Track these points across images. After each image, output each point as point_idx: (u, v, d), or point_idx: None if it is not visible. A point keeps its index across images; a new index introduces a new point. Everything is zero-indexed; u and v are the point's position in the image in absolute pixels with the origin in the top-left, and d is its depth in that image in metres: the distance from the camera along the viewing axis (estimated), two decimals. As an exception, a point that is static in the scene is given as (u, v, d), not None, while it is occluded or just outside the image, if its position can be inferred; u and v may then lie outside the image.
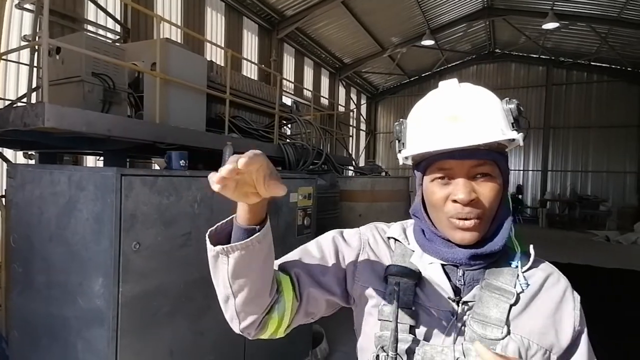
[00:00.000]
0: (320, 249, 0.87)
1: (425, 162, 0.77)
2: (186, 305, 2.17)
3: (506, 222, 0.76)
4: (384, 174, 7.47)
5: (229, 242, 0.69)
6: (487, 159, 0.73)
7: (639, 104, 15.17)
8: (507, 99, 0.76)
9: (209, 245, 0.71)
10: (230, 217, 0.72)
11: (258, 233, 0.68)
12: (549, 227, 14.95)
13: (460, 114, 0.73)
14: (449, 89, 0.78)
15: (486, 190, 0.73)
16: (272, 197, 0.62)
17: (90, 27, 6.22)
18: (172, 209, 2.08)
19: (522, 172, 17.39)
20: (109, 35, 6.48)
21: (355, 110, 17.95)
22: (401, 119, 0.82)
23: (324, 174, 4.80)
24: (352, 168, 7.71)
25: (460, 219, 0.73)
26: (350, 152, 15.59)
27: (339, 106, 15.62)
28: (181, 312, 2.15)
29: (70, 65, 3.08)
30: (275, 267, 0.82)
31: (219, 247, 0.69)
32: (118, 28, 6.66)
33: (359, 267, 0.84)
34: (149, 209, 1.94)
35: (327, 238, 0.90)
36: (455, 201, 0.72)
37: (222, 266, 0.71)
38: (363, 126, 19.20)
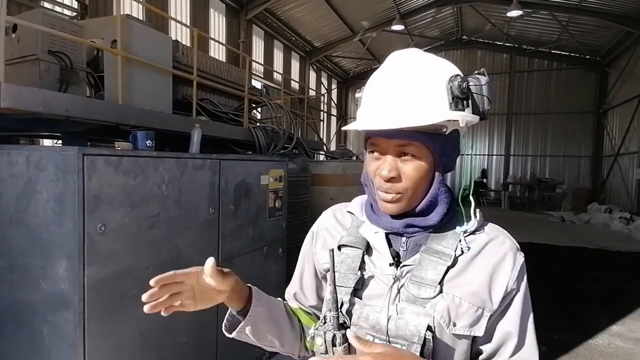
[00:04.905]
0: (301, 261, 1.01)
1: (366, 136, 0.81)
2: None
3: (441, 201, 0.79)
4: (355, 158, 7.55)
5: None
6: (412, 140, 0.73)
7: (595, 90, 15.98)
8: (454, 75, 0.74)
9: (227, 335, 0.88)
10: (228, 311, 0.88)
11: (250, 310, 0.83)
12: (510, 209, 15.69)
13: (389, 94, 0.74)
14: (395, 61, 0.78)
15: (409, 169, 0.75)
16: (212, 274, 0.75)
17: (47, 4, 5.86)
18: (139, 190, 2.03)
19: (486, 156, 18.04)
20: (66, 12, 6.13)
21: (326, 94, 17.91)
22: (362, 87, 0.84)
23: (295, 158, 4.79)
24: (323, 152, 7.74)
25: (382, 191, 0.78)
26: (321, 136, 15.63)
27: (310, 90, 15.53)
28: (151, 294, 2.14)
29: (26, 43, 2.91)
30: (292, 303, 1.01)
31: (234, 334, 0.86)
32: (76, 4, 6.29)
33: (317, 253, 0.94)
34: (115, 190, 1.90)
35: (303, 245, 1.02)
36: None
37: (246, 339, 0.87)
38: (334, 111, 19.22)
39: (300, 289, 1.00)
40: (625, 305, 4.90)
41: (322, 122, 17.25)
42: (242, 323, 0.83)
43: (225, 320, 0.88)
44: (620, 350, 3.81)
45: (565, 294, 5.41)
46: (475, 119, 0.77)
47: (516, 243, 0.83)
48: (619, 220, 11.25)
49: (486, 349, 0.80)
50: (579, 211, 13.56)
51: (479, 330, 0.77)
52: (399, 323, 0.74)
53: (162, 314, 0.74)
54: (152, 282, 0.71)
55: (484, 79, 0.77)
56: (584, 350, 3.80)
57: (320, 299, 0.97)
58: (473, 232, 0.81)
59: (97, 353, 1.85)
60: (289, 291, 1.03)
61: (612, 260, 7.58)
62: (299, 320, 0.95)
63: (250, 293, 0.85)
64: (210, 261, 0.75)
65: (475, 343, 0.81)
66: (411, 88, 0.73)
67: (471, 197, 0.82)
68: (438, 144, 0.75)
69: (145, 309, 0.72)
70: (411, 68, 0.75)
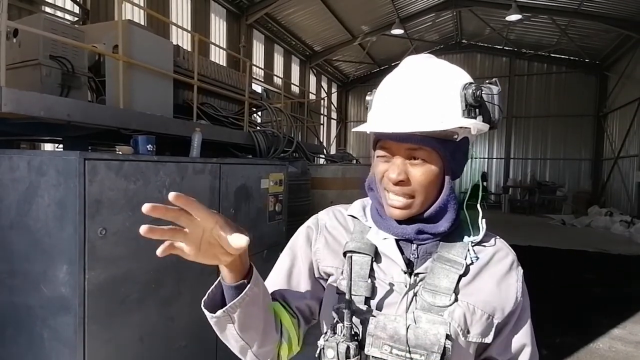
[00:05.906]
0: (291, 256, 0.90)
1: (375, 138, 0.81)
2: (156, 292, 2.16)
3: (450, 207, 0.79)
4: (354, 161, 7.56)
5: (225, 303, 0.70)
6: (423, 144, 0.73)
7: (594, 94, 16.00)
8: (468, 83, 0.74)
9: (208, 314, 0.72)
10: (217, 280, 0.73)
11: (249, 285, 0.69)
12: (510, 212, 15.66)
13: (403, 98, 0.74)
14: (410, 66, 0.78)
15: (417, 174, 0.75)
16: (240, 250, 0.62)
17: (47, 9, 5.89)
18: (140, 194, 2.04)
19: (486, 160, 18.04)
20: (67, 17, 6.16)
21: (326, 98, 17.95)
22: (373, 90, 0.83)
23: (295, 162, 4.80)
24: (323, 156, 7.75)
25: (391, 194, 0.78)
26: (321, 140, 15.63)
27: (310, 94, 15.57)
28: (151, 298, 2.14)
29: (27, 48, 2.94)
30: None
31: (219, 312, 0.70)
32: (77, 9, 6.33)
33: (318, 252, 0.88)
34: (116, 195, 1.90)
35: (294, 240, 0.93)
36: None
37: (228, 326, 0.73)
38: (334, 115, 19.25)
39: (289, 286, 0.87)
40: (626, 308, 4.89)
41: (322, 126, 17.27)
42: (235, 300, 0.68)
43: (206, 297, 0.73)
44: (621, 354, 3.80)
45: (565, 297, 5.40)
46: (486, 127, 0.77)
47: (515, 255, 0.86)
48: (620, 224, 11.24)
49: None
50: (579, 214, 13.55)
51: (489, 338, 0.78)
52: (418, 332, 0.72)
53: (158, 251, 0.58)
54: (171, 196, 0.56)
55: (495, 89, 0.78)
56: (585, 353, 3.79)
57: (312, 299, 0.87)
58: (479, 242, 0.82)
59: (97, 357, 1.84)
60: (269, 286, 0.87)
61: (612, 263, 7.57)
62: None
63: (250, 269, 0.71)
64: (244, 240, 0.61)
65: (482, 351, 0.82)
66: (425, 93, 0.73)
67: (479, 207, 0.82)
68: (449, 151, 0.75)
69: (142, 230, 0.56)
70: (425, 73, 0.76)
